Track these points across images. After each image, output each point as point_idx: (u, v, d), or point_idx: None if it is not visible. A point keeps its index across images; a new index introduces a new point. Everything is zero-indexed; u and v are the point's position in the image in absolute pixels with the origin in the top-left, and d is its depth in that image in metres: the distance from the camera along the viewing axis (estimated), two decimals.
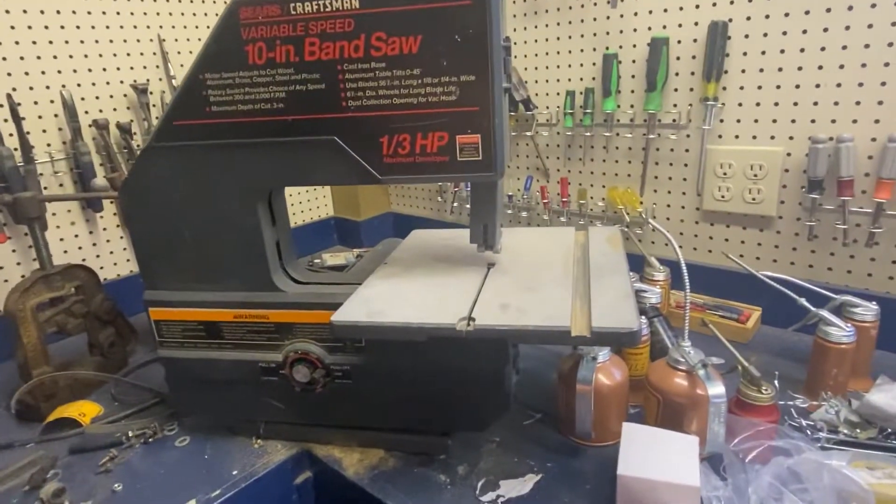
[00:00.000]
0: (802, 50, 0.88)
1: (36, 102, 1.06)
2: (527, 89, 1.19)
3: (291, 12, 0.57)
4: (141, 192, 0.69)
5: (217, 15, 1.28)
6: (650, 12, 1.01)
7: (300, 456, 0.77)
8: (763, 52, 0.92)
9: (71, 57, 1.09)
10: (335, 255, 1.36)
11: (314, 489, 0.79)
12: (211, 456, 0.77)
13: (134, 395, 0.91)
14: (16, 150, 1.01)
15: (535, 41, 1.16)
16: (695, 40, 0.98)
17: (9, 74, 1.03)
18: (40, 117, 1.07)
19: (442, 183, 1.41)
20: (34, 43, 1.05)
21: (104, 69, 1.14)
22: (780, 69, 0.91)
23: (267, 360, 0.72)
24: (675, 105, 1.03)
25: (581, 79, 1.12)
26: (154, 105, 1.20)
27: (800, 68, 0.89)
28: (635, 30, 1.03)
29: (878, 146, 0.85)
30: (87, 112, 1.12)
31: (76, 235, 1.15)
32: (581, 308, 0.58)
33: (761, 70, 0.93)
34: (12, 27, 1.02)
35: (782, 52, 0.90)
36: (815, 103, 0.89)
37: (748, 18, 0.92)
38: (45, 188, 1.07)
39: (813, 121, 0.90)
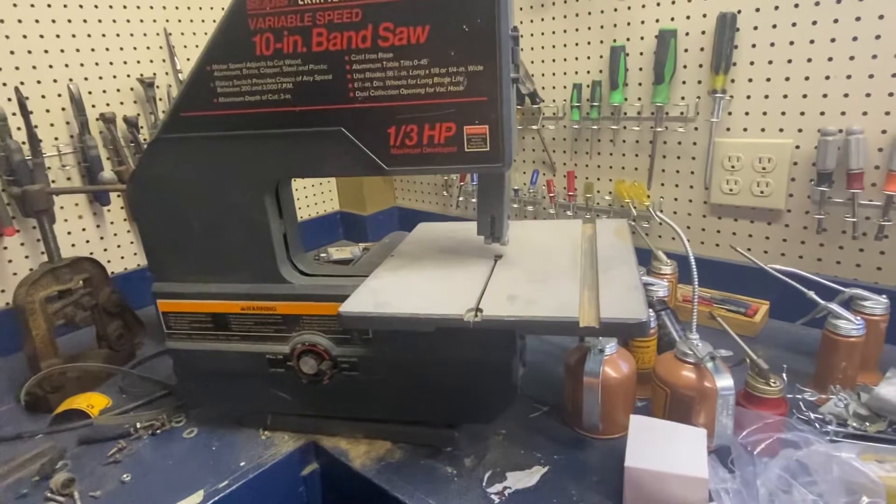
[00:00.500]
0: (812, 41, 0.88)
1: (43, 96, 1.07)
2: (533, 82, 1.19)
3: (299, 3, 0.57)
4: (149, 184, 0.69)
5: (223, 8, 1.28)
6: (658, 4, 1.00)
7: (307, 447, 0.77)
8: (772, 44, 0.91)
9: (78, 51, 1.10)
10: (341, 250, 1.36)
11: (321, 480, 0.79)
12: (218, 447, 0.77)
13: (141, 388, 0.92)
14: (24, 143, 1.02)
15: (542, 34, 1.16)
16: (703, 32, 0.97)
17: (17, 68, 1.03)
18: (48, 111, 1.07)
19: (448, 175, 1.41)
20: (41, 37, 1.05)
21: (111, 63, 1.14)
22: (789, 61, 0.90)
23: (274, 351, 0.72)
24: (682, 98, 1.02)
25: (588, 71, 1.12)
26: (160, 98, 1.20)
27: (809, 60, 0.88)
28: (643, 22, 1.02)
29: (888, 138, 0.84)
30: (94, 106, 1.13)
31: (83, 229, 1.15)
32: (589, 299, 0.58)
33: (770, 62, 0.92)
34: (20, 21, 1.02)
35: (791, 43, 0.89)
36: (825, 95, 0.88)
37: (757, 10, 0.91)
38: (53, 181, 1.08)
39: (822, 113, 0.89)
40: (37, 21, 1.04)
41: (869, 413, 0.71)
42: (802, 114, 0.91)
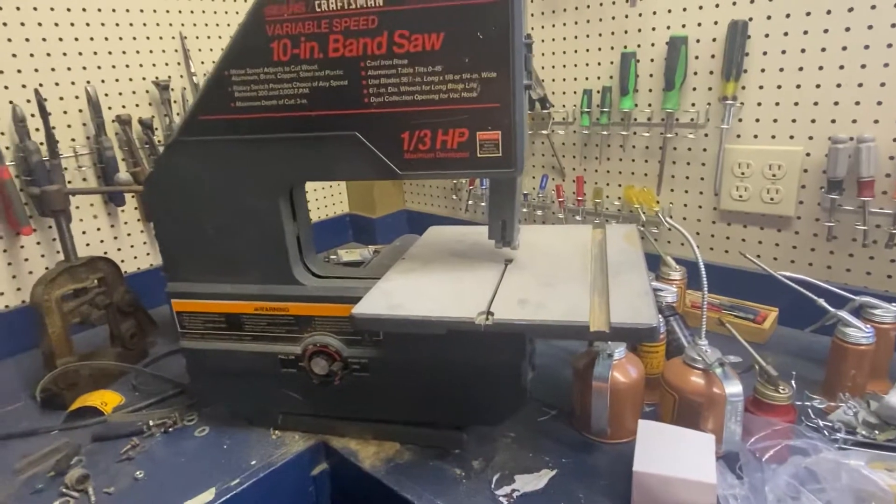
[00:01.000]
0: (823, 49, 0.88)
1: (61, 98, 1.08)
2: (543, 87, 1.19)
3: (316, 10, 0.58)
4: (165, 186, 0.70)
5: (237, 13, 1.30)
6: (669, 11, 1.00)
7: (317, 447, 0.78)
8: (783, 52, 0.91)
9: (95, 53, 1.11)
10: (350, 252, 1.38)
11: (330, 480, 0.80)
12: (230, 446, 0.78)
13: (153, 386, 0.93)
14: (42, 144, 1.04)
15: (553, 40, 1.16)
16: (714, 39, 0.97)
17: (36, 70, 1.05)
18: (65, 112, 1.09)
19: (459, 179, 1.42)
20: (60, 40, 1.07)
21: (127, 65, 1.16)
22: (800, 68, 0.91)
23: (286, 352, 0.73)
24: (693, 104, 1.03)
25: (598, 77, 1.12)
26: (175, 101, 1.22)
27: (820, 68, 0.89)
28: (654, 29, 1.03)
29: None
30: (110, 108, 1.14)
31: (98, 229, 1.17)
32: (599, 304, 0.58)
33: (781, 69, 0.92)
34: (39, 24, 1.04)
35: (803, 51, 0.90)
36: (836, 103, 0.89)
37: (769, 17, 0.91)
38: (69, 182, 1.10)
39: (833, 121, 0.89)
40: (56, 24, 1.06)
41: (878, 421, 0.71)
42: (813, 121, 0.91)
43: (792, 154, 0.94)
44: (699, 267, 0.71)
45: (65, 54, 1.08)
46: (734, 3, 0.94)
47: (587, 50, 1.12)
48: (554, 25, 1.16)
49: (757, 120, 0.97)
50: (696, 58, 1.00)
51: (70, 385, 0.89)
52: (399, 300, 0.62)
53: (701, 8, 0.97)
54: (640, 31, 1.05)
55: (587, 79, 1.14)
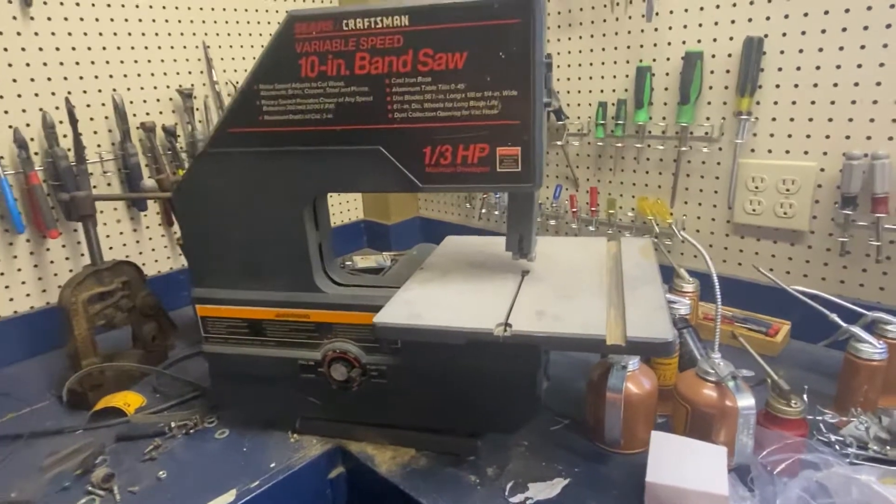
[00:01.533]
0: (839, 66, 0.89)
1: (88, 105, 1.12)
2: (558, 99, 1.21)
3: (344, 28, 0.60)
4: (194, 195, 0.72)
5: (259, 23, 1.33)
6: (685, 27, 1.02)
7: (334, 451, 0.80)
8: (798, 68, 0.92)
9: (122, 62, 1.15)
10: (366, 258, 1.40)
11: (347, 484, 0.82)
12: (249, 448, 0.80)
13: (174, 388, 0.95)
14: (69, 150, 1.07)
15: (569, 52, 1.18)
16: (729, 55, 0.98)
17: (65, 79, 1.08)
18: (92, 119, 1.12)
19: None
20: (89, 49, 1.10)
21: (152, 74, 1.19)
22: (815, 85, 0.92)
23: (306, 357, 0.75)
24: (707, 118, 1.04)
25: (614, 90, 1.14)
26: (198, 109, 1.25)
27: (835, 84, 0.90)
28: (670, 43, 1.04)
29: None
30: (134, 115, 1.17)
31: (121, 233, 1.20)
32: (616, 317, 0.59)
33: (796, 85, 0.93)
34: (69, 34, 1.07)
35: (818, 68, 0.91)
36: (851, 119, 0.89)
37: (784, 34, 0.93)
38: (95, 187, 1.13)
39: (847, 137, 0.90)
40: (85, 34, 1.09)
41: (890, 437, 0.72)
42: (828, 137, 0.92)
43: (806, 169, 0.95)
44: (713, 280, 0.72)
45: (92, 63, 1.11)
46: (750, 20, 0.95)
47: (602, 63, 1.14)
48: (570, 39, 1.17)
49: (771, 135, 0.98)
50: (712, 72, 1.01)
51: (94, 386, 0.91)
52: (419, 310, 0.64)
53: (717, 24, 0.98)
54: (655, 45, 1.06)
55: (602, 91, 1.15)
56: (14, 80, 1.03)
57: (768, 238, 1.02)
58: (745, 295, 1.04)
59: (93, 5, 1.09)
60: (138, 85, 1.17)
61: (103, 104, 1.13)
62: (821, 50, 0.90)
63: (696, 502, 0.60)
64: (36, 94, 1.05)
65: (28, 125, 1.05)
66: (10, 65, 1.02)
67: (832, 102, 0.91)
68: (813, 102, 0.92)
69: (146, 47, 1.17)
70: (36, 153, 1.06)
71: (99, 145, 1.14)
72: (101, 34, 1.11)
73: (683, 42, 1.03)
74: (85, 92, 1.11)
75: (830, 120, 0.91)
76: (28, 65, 1.04)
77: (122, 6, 1.13)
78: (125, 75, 1.15)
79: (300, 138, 0.66)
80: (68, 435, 0.85)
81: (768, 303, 1.01)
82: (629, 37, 1.09)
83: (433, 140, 0.62)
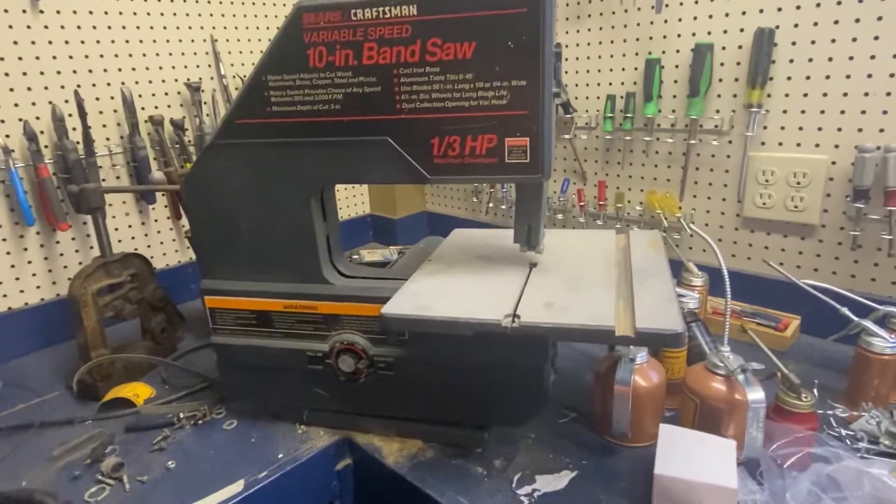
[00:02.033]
0: (851, 58, 0.88)
1: (97, 98, 1.12)
2: (566, 92, 1.20)
3: (352, 18, 0.60)
4: (202, 186, 0.72)
5: (266, 16, 1.33)
6: (695, 18, 1.01)
7: (342, 443, 0.80)
8: (810, 60, 0.91)
9: (130, 55, 1.15)
10: (372, 252, 1.40)
11: (354, 475, 0.82)
12: (257, 439, 0.80)
13: (182, 379, 0.96)
14: (78, 143, 1.07)
15: (577, 45, 1.17)
16: (740, 47, 0.97)
17: (74, 72, 1.08)
18: (101, 112, 1.13)
19: (484, 183, 1.43)
20: (97, 42, 1.10)
21: (160, 67, 1.19)
22: (827, 77, 0.90)
23: (314, 349, 0.75)
24: (717, 111, 1.03)
25: (622, 83, 1.13)
26: (205, 102, 1.25)
27: (848, 76, 0.89)
28: (679, 35, 1.03)
29: None
30: (143, 108, 1.18)
31: (129, 226, 1.20)
32: (624, 309, 0.59)
33: (808, 77, 0.92)
34: (78, 27, 1.08)
35: (830, 59, 0.90)
36: (863, 112, 0.88)
37: (796, 25, 0.91)
38: (104, 180, 1.13)
39: (860, 129, 0.89)
40: (94, 27, 1.09)
41: None
42: (839, 129, 0.91)
43: (817, 162, 0.94)
44: (723, 273, 0.72)
45: (101, 56, 1.11)
46: (761, 11, 0.94)
47: (611, 56, 1.13)
48: (579, 31, 1.16)
49: (782, 128, 0.97)
50: (722, 64, 1.00)
51: (104, 377, 0.92)
52: (426, 301, 0.64)
53: (727, 15, 0.97)
54: (665, 37, 1.05)
55: (611, 84, 1.15)
56: (24, 74, 1.03)
57: (778, 232, 1.02)
58: (755, 290, 1.03)
59: None
60: (146, 78, 1.18)
61: (112, 97, 1.14)
62: (833, 41, 0.89)
63: (704, 495, 0.60)
64: (46, 88, 1.06)
65: (38, 118, 1.05)
66: (20, 58, 1.02)
67: (844, 94, 0.89)
68: (825, 94, 0.91)
69: (154, 41, 1.18)
70: (46, 146, 1.06)
71: (108, 139, 1.14)
72: (109, 27, 1.11)
73: (693, 34, 1.02)
74: (94, 85, 1.11)
75: (843, 112, 0.90)
76: (38, 58, 1.04)
77: (131, 0, 1.13)
78: (133, 69, 1.16)
79: (308, 129, 0.65)
80: (78, 425, 0.86)
81: (778, 297, 1.00)
82: (638, 29, 1.08)
83: (441, 131, 0.62)
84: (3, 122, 1.02)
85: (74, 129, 1.08)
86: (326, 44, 0.62)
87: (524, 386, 0.70)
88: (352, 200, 1.62)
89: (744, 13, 0.96)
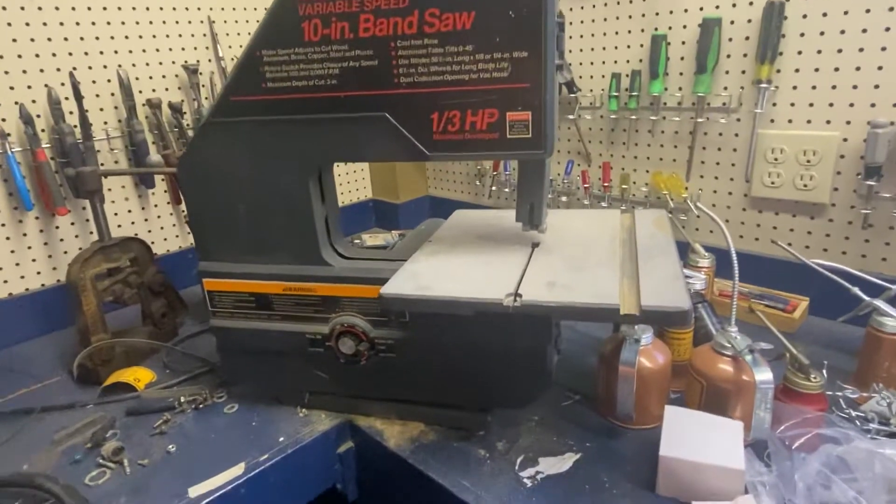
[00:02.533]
0: (864, 30, 0.85)
1: (94, 81, 1.11)
2: (570, 71, 1.18)
3: None
4: (198, 167, 0.71)
5: None
6: None
7: (343, 426, 0.79)
8: (822, 33, 0.89)
9: (127, 38, 1.13)
10: (374, 236, 1.39)
11: (356, 458, 0.81)
12: (258, 423, 0.80)
13: (183, 364, 0.95)
14: (76, 127, 1.06)
15: (581, 22, 1.15)
16: (749, 21, 0.95)
17: (70, 54, 1.07)
18: (98, 96, 1.11)
19: (482, 164, 1.41)
20: (93, 24, 1.09)
21: (157, 50, 1.17)
22: (839, 51, 0.88)
23: (314, 332, 0.74)
24: (725, 88, 1.00)
25: (627, 61, 1.10)
26: (203, 85, 1.23)
27: (861, 49, 0.86)
28: (686, 10, 1.01)
29: None
30: (140, 91, 1.16)
31: (129, 210, 1.19)
32: (629, 287, 0.58)
33: (819, 52, 0.90)
34: (73, 8, 1.06)
35: (842, 32, 0.87)
36: (876, 86, 0.86)
37: None
38: (102, 164, 1.12)
39: (873, 105, 0.87)
40: (89, 8, 1.08)
41: None
42: (851, 105, 0.89)
43: (828, 139, 0.91)
44: (730, 254, 0.70)
45: (97, 38, 1.10)
46: None
47: (616, 33, 1.10)
48: (583, 7, 1.14)
49: (792, 104, 0.94)
50: (730, 40, 0.97)
51: (104, 361, 0.91)
52: (427, 281, 0.62)
53: None
54: (671, 12, 1.03)
55: (616, 62, 1.12)
56: (19, 56, 1.02)
57: (787, 211, 0.99)
58: (763, 270, 1.01)
59: None
60: (143, 61, 1.16)
61: (109, 80, 1.12)
62: (846, 13, 0.86)
63: (710, 477, 0.59)
64: (41, 70, 1.04)
65: (34, 101, 1.04)
66: (14, 40, 1.01)
67: (857, 69, 0.87)
68: (837, 69, 0.89)
69: (151, 22, 1.16)
70: (42, 130, 1.05)
71: (105, 122, 1.13)
72: (105, 8, 1.09)
73: (701, 8, 0.99)
74: (90, 68, 1.10)
75: (855, 87, 0.88)
76: (32, 40, 1.02)
77: None
78: (130, 51, 1.14)
79: (304, 106, 0.64)
80: (79, 409, 0.85)
81: (786, 278, 0.98)
82: (644, 4, 1.05)
83: (441, 105, 0.60)
84: None
85: (71, 112, 1.07)
86: (321, 16, 0.60)
87: (527, 367, 0.69)
88: (353, 185, 1.60)
89: None
